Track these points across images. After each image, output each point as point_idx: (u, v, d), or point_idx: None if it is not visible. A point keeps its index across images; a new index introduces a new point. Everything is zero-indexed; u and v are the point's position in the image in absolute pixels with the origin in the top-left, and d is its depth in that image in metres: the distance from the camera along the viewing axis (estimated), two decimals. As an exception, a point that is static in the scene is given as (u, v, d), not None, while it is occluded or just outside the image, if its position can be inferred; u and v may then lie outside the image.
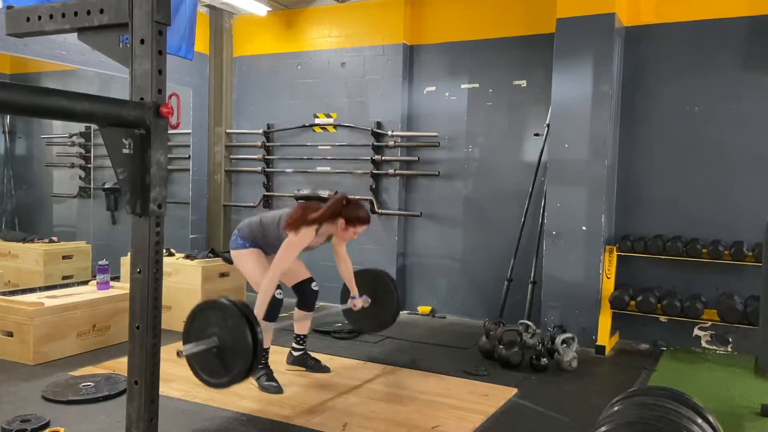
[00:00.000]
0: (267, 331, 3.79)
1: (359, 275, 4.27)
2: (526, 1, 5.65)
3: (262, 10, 6.60)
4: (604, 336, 4.89)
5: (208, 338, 3.09)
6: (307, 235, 3.60)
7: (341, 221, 3.68)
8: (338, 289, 4.35)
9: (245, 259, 3.84)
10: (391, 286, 4.41)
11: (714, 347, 4.98)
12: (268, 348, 3.85)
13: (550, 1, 5.20)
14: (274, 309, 3.71)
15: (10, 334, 4.21)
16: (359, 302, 4.19)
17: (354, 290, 4.21)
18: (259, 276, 3.70)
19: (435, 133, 6.03)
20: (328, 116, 6.52)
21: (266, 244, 3.84)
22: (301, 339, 4.19)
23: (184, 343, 3.19)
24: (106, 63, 4.87)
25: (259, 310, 3.52)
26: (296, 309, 4.13)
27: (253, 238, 3.84)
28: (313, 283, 4.08)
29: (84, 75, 5.95)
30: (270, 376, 3.81)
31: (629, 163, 5.25)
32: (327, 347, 4.73)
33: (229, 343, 3.08)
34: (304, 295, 4.08)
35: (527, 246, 5.51)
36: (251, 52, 6.99)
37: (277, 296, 3.67)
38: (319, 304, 4.27)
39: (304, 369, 4.18)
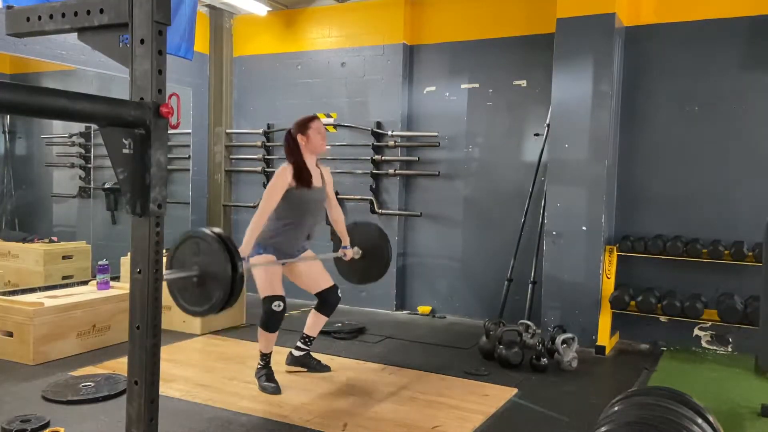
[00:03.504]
0: (269, 339, 3.80)
1: (350, 228, 4.22)
2: (526, 1, 5.65)
3: (262, 10, 6.61)
4: (604, 336, 4.88)
5: (190, 267, 3.13)
6: (282, 174, 3.73)
7: (299, 137, 3.84)
8: (344, 290, 4.24)
9: (258, 268, 3.78)
10: (382, 237, 4.33)
11: (714, 347, 4.97)
12: (270, 352, 3.86)
13: (550, 1, 5.20)
14: (275, 321, 3.73)
15: (10, 334, 4.22)
16: (350, 252, 4.13)
17: (345, 239, 4.15)
18: (268, 286, 3.73)
19: (435, 133, 6.03)
20: (328, 116, 6.52)
21: (275, 241, 3.81)
22: (308, 340, 4.16)
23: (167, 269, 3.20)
24: (106, 63, 4.88)
25: (246, 244, 3.57)
26: (313, 310, 4.10)
27: (264, 240, 3.79)
28: (339, 290, 4.08)
29: (84, 75, 5.96)
30: (270, 376, 3.81)
31: (629, 163, 5.25)
32: (327, 347, 4.73)
33: (209, 273, 3.10)
34: (326, 300, 4.05)
35: (527, 246, 5.50)
36: (251, 52, 6.99)
37: (275, 309, 3.68)
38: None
39: (305, 369, 4.17)
